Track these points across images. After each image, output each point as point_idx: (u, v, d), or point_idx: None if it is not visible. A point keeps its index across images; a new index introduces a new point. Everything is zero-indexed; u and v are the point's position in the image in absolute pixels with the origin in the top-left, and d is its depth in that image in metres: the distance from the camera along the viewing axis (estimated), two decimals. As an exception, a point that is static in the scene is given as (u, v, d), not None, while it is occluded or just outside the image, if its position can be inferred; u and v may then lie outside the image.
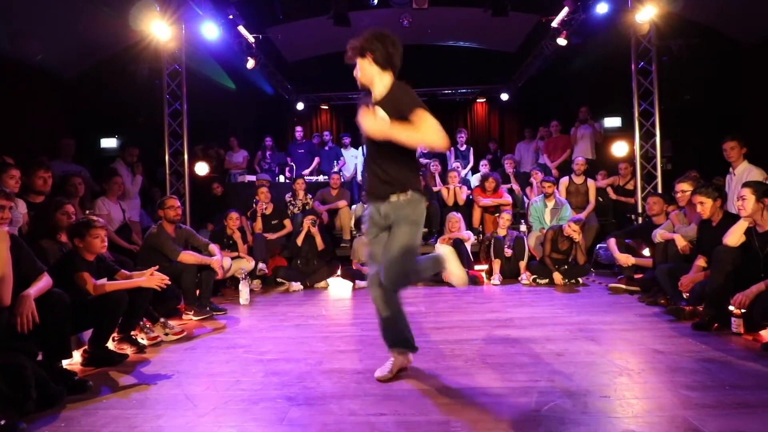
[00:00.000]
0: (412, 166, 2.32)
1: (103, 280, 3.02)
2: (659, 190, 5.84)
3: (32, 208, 3.63)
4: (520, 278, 5.49)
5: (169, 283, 3.26)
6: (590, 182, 6.32)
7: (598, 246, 5.83)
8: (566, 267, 5.28)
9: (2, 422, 1.89)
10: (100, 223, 3.12)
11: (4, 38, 5.64)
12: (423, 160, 7.86)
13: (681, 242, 3.94)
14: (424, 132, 2.05)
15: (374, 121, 2.14)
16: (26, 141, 5.80)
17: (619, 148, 7.14)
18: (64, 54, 6.59)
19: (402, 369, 2.51)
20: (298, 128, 8.84)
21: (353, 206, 6.66)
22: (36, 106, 6.45)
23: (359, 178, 8.30)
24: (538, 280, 5.35)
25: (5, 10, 5.35)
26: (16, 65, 6.08)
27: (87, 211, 4.25)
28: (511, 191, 6.98)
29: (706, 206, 3.52)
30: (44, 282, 2.51)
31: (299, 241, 5.58)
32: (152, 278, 3.15)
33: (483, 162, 7.65)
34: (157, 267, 3.31)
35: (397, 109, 2.15)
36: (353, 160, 8.60)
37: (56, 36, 6.14)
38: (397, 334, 2.48)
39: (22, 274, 2.42)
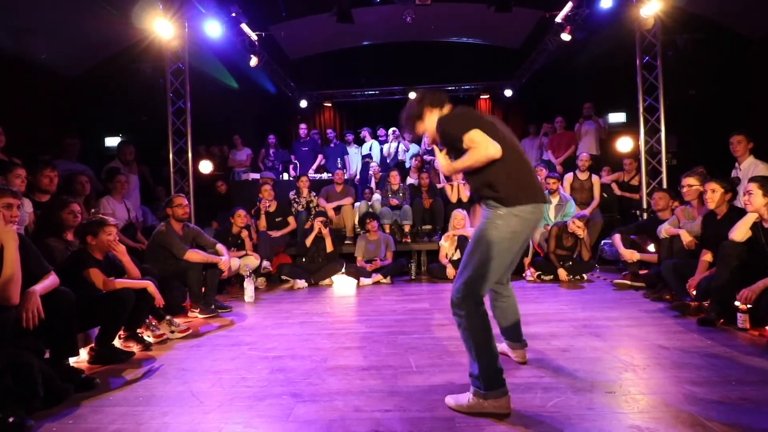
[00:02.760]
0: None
1: (113, 278, 3.06)
2: (664, 186, 5.81)
3: (38, 207, 3.66)
4: (524, 275, 5.48)
5: (162, 303, 3.29)
6: (595, 178, 6.29)
7: (602, 242, 5.81)
8: (571, 263, 5.26)
9: (10, 419, 1.91)
10: (113, 221, 3.22)
11: (9, 37, 5.67)
12: (427, 157, 7.85)
13: (686, 238, 3.92)
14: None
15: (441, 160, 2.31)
16: (30, 140, 5.82)
17: (623, 144, 7.11)
18: (68, 53, 6.62)
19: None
20: (302, 126, 8.85)
21: (356, 204, 6.67)
22: (40, 105, 6.49)
23: (358, 177, 8.31)
24: (542, 277, 5.34)
25: (9, 9, 5.37)
26: (20, 64, 6.11)
27: (92, 210, 4.27)
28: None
29: (716, 194, 3.50)
30: (50, 280, 2.53)
31: (308, 242, 5.59)
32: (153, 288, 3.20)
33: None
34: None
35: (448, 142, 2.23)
36: (356, 157, 8.61)
37: (60, 34, 6.17)
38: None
39: (29, 274, 2.44)
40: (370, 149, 8.56)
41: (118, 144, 6.06)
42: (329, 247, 5.61)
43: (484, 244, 2.06)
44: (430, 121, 2.32)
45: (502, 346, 2.69)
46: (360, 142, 8.87)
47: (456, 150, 2.18)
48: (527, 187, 2.11)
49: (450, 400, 2.10)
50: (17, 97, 6.03)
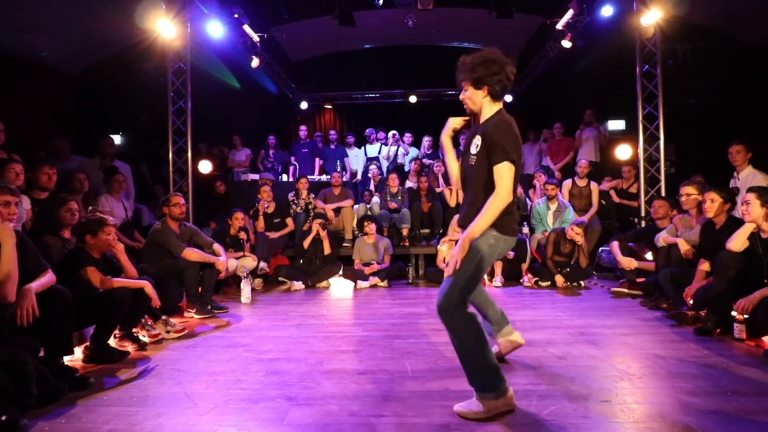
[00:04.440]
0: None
1: (110, 277, 3.06)
2: (662, 194, 5.82)
3: (36, 205, 3.65)
4: (521, 280, 5.48)
5: (159, 303, 3.28)
6: (593, 185, 6.31)
7: (600, 249, 5.81)
8: (568, 270, 5.27)
9: (3, 418, 1.90)
10: (112, 221, 3.21)
11: (11, 34, 5.66)
12: (426, 161, 7.86)
13: (684, 246, 3.93)
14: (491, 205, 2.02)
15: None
16: (31, 136, 5.81)
17: (622, 151, 7.12)
18: (70, 50, 6.62)
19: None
20: (302, 127, 8.84)
21: (356, 206, 6.66)
22: (41, 102, 6.48)
23: (358, 178, 8.31)
24: (539, 283, 5.34)
25: (12, 6, 5.37)
26: (21, 61, 6.10)
27: (90, 208, 4.26)
28: (513, 193, 6.95)
29: (714, 204, 3.51)
30: (47, 278, 2.52)
31: (306, 243, 5.59)
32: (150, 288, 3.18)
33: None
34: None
35: (489, 148, 2.07)
36: (356, 159, 8.60)
37: (62, 32, 6.16)
38: None
39: (27, 271, 2.43)
40: (379, 152, 8.56)
41: (101, 140, 5.86)
42: (327, 250, 5.61)
43: (478, 256, 2.05)
44: (477, 100, 2.15)
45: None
46: (361, 144, 8.86)
47: (476, 147, 2.11)
48: (515, 222, 2.15)
49: (460, 407, 2.06)
50: (18, 95, 6.02)
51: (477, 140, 2.14)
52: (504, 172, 2.02)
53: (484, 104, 2.16)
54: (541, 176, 6.62)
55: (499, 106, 2.17)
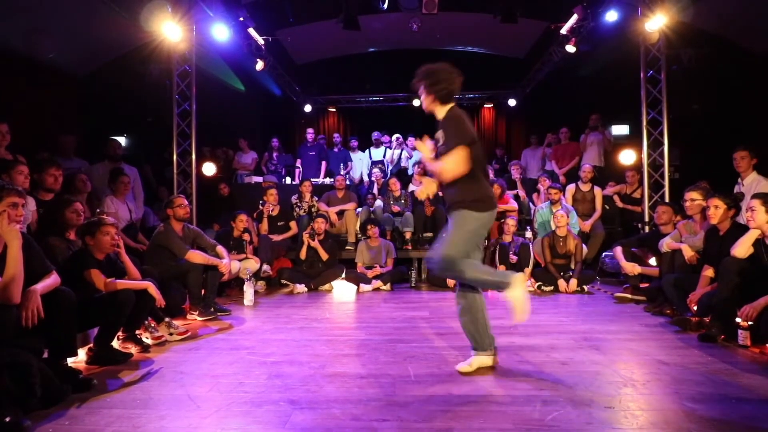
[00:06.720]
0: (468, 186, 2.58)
1: (113, 279, 3.06)
2: (666, 200, 5.81)
3: (41, 206, 3.67)
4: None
5: (163, 303, 3.29)
6: (597, 190, 6.29)
7: (603, 254, 5.80)
8: (571, 274, 5.25)
9: (7, 419, 1.90)
10: (109, 221, 3.20)
11: (18, 35, 5.70)
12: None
13: (688, 252, 3.91)
14: (443, 168, 2.52)
15: (423, 149, 2.64)
16: (36, 138, 5.84)
17: (626, 156, 7.12)
18: (76, 53, 6.66)
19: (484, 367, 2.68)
20: (309, 130, 8.86)
21: (359, 209, 6.67)
22: (47, 104, 6.51)
23: (366, 180, 8.31)
24: (542, 287, 5.33)
25: (19, 8, 5.41)
26: (28, 62, 6.14)
27: (98, 210, 4.28)
28: (516, 197, 6.96)
29: (718, 211, 3.49)
30: (52, 279, 2.53)
31: (302, 255, 5.60)
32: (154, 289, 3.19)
33: (489, 168, 7.64)
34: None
35: (445, 139, 2.56)
36: (360, 162, 8.61)
37: (68, 35, 6.20)
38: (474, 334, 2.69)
39: (32, 272, 2.43)
40: (384, 155, 8.57)
41: (108, 141, 5.87)
42: (323, 256, 5.60)
43: (464, 231, 2.58)
44: (429, 105, 2.67)
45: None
46: (365, 147, 8.88)
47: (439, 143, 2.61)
48: (490, 198, 2.62)
49: None
50: (24, 96, 6.05)
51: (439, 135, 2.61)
52: (459, 153, 2.47)
53: (429, 104, 2.66)
54: (545, 180, 6.62)
55: (445, 108, 2.62)
